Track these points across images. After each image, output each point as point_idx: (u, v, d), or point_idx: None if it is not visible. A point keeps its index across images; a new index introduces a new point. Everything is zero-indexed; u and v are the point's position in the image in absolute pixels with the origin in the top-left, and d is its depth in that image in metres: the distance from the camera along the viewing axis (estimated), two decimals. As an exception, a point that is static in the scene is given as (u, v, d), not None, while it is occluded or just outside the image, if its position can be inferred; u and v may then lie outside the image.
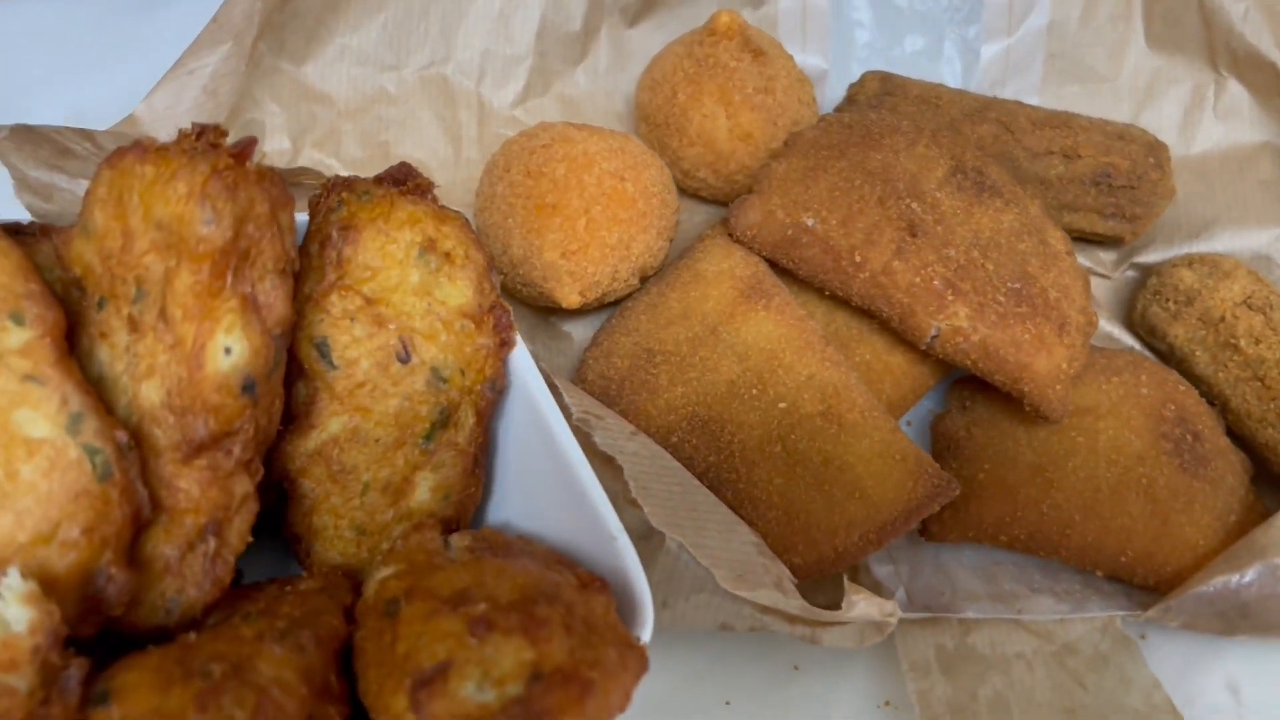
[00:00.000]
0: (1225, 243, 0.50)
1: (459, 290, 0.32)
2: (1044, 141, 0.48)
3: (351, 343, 0.32)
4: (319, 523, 0.33)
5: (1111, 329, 0.50)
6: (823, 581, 0.42)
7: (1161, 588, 0.41)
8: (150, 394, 0.27)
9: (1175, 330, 0.47)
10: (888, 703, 0.40)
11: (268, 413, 0.29)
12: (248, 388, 0.28)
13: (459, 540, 0.31)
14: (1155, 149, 0.48)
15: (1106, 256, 0.52)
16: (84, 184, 0.36)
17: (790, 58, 0.49)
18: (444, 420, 0.33)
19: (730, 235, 0.43)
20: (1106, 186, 0.47)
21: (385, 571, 0.29)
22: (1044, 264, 0.43)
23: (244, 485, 0.29)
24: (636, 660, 0.25)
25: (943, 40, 0.54)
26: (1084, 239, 0.51)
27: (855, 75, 0.54)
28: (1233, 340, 0.45)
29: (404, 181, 0.33)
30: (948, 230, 0.42)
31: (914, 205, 0.42)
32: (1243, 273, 0.47)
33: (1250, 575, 0.39)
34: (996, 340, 0.41)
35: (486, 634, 0.24)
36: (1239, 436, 0.46)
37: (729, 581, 0.34)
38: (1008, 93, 0.54)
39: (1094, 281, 0.51)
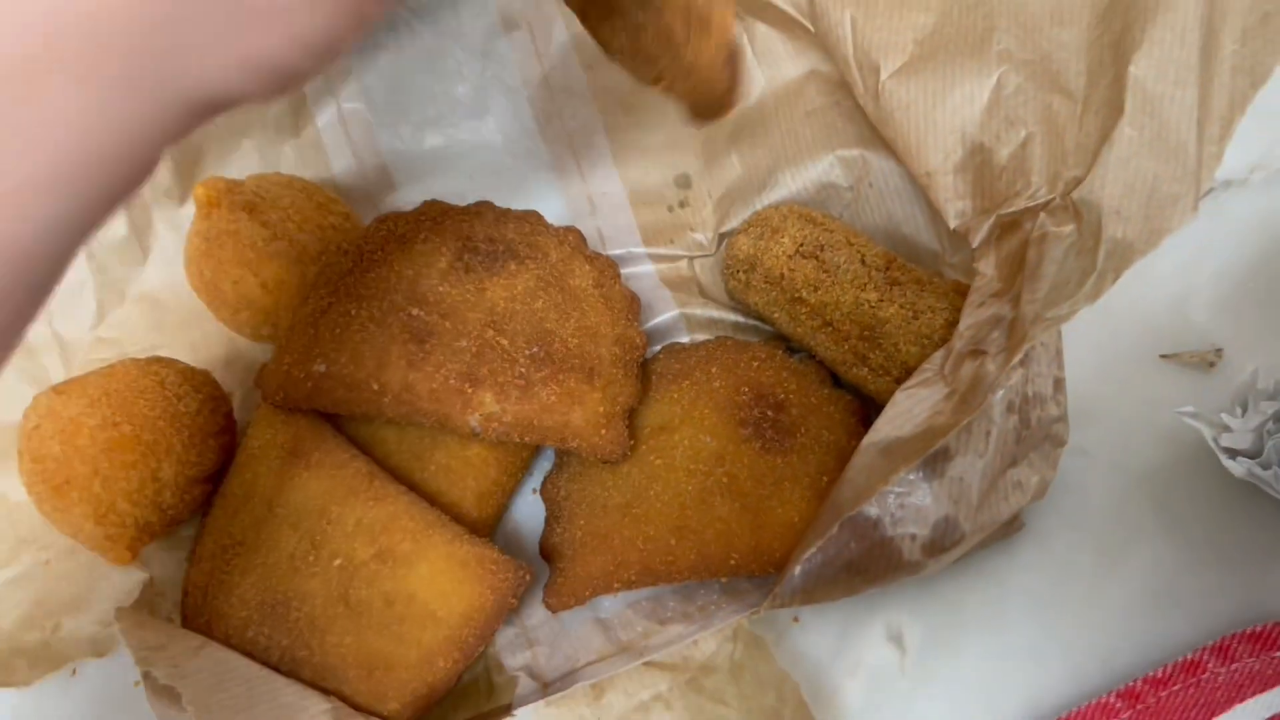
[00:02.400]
0: (789, 186, 0.50)
1: None
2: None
3: None
4: None
5: (715, 312, 0.49)
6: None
7: (780, 573, 0.41)
8: None
9: (752, 299, 0.47)
10: (551, 790, 0.41)
11: None
12: None
13: None
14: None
15: (702, 237, 0.51)
16: None
17: (300, 187, 0.48)
18: None
19: (267, 401, 0.44)
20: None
21: None
22: (563, 314, 0.43)
23: None
24: None
25: (486, 89, 0.54)
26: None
27: (420, 153, 0.54)
28: (795, 294, 0.45)
29: None
30: (458, 321, 0.42)
31: (415, 311, 0.42)
32: (793, 220, 0.46)
33: (835, 536, 0.39)
34: (527, 411, 0.41)
35: None
36: (842, 381, 0.46)
37: (292, 770, 0.35)
38: (563, 113, 0.54)
39: (701, 263, 0.51)
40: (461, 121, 0.54)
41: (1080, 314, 0.45)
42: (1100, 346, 0.47)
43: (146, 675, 0.39)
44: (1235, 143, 0.47)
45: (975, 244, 0.41)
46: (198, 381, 0.45)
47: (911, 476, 0.39)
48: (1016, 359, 0.38)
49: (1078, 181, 0.40)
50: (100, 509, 0.41)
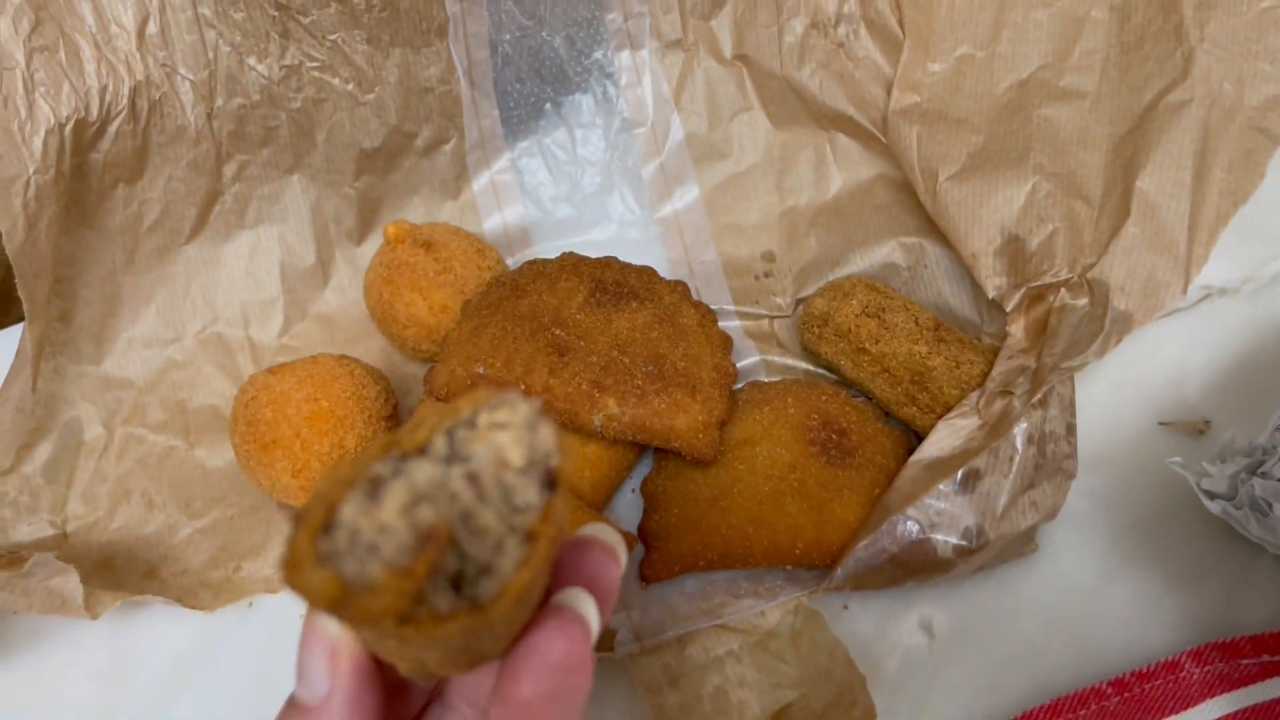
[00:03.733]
0: (858, 263, 0.61)
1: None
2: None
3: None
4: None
5: (790, 360, 0.60)
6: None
7: (836, 563, 0.51)
8: None
9: (823, 349, 0.57)
10: (638, 721, 0.50)
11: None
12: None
13: None
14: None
15: (782, 301, 0.62)
16: None
17: (464, 236, 0.60)
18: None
19: (432, 396, 0.54)
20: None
21: None
22: (674, 342, 0.53)
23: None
24: None
25: (611, 174, 0.66)
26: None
27: (554, 220, 0.66)
28: (860, 345, 0.55)
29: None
30: (590, 342, 0.53)
31: (558, 332, 0.53)
32: (861, 288, 0.57)
33: (883, 532, 0.49)
34: (641, 415, 0.51)
35: None
36: (894, 418, 0.56)
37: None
38: (673, 198, 0.65)
39: (780, 323, 0.62)
40: (590, 197, 0.66)
41: (1094, 384, 0.55)
42: (1110, 414, 0.56)
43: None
44: (1230, 259, 0.58)
45: (1008, 310, 0.52)
46: (375, 375, 0.56)
47: (948, 490, 0.49)
48: (1036, 398, 0.48)
49: (1092, 265, 0.50)
50: (297, 465, 0.52)
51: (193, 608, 0.53)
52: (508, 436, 0.26)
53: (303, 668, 0.31)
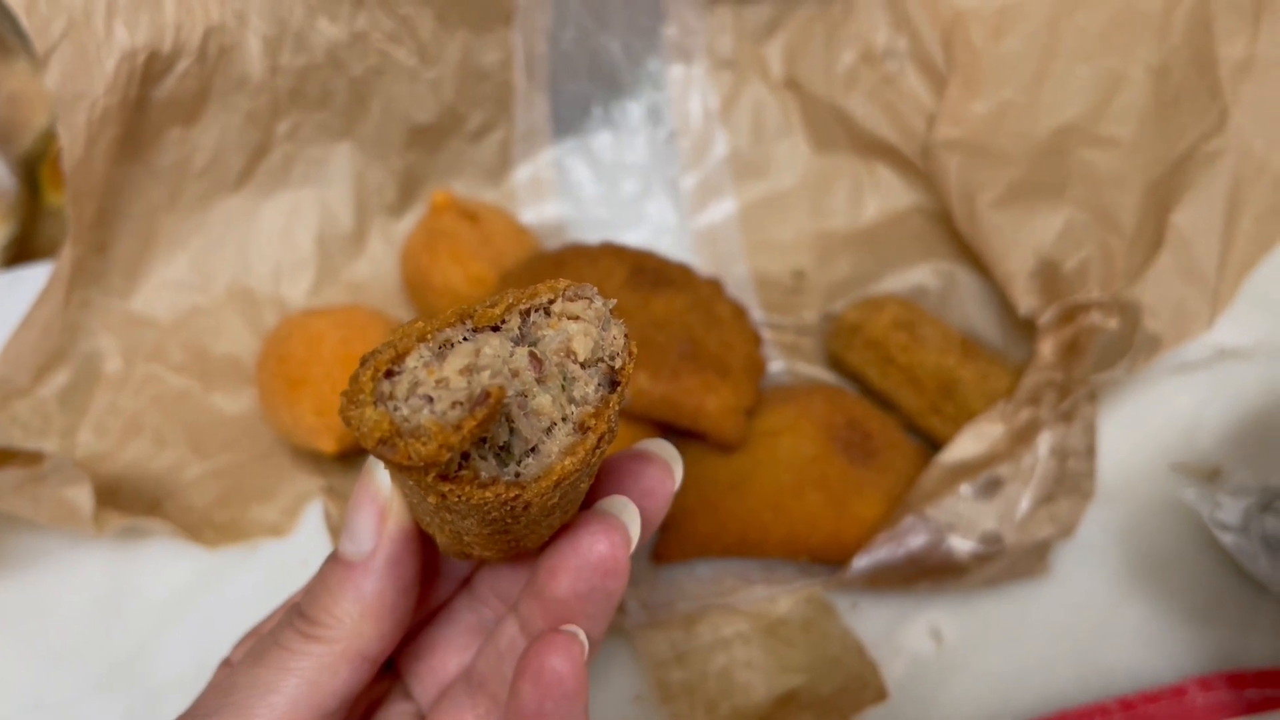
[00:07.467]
0: (891, 284, 0.62)
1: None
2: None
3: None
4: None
5: (815, 371, 0.61)
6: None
7: (851, 559, 0.51)
8: None
9: (851, 358, 0.58)
10: (638, 697, 0.49)
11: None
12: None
13: None
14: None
15: (809, 316, 0.63)
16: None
17: (506, 216, 0.61)
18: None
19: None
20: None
21: None
22: (708, 328, 0.54)
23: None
24: None
25: (651, 181, 0.68)
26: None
27: (590, 219, 0.67)
28: (889, 355, 0.56)
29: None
30: (627, 318, 0.53)
31: (596, 304, 0.53)
32: (893, 303, 0.58)
33: (903, 526, 0.49)
34: (672, 392, 0.51)
35: None
36: (916, 429, 0.57)
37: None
38: (709, 209, 0.67)
39: (806, 337, 0.63)
40: (627, 201, 0.68)
41: (1110, 427, 0.56)
42: (1125, 455, 0.56)
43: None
44: (1244, 324, 0.60)
45: (1040, 324, 0.53)
46: (408, 333, 0.56)
47: (968, 493, 0.49)
48: (1062, 408, 0.49)
49: (1123, 290, 0.52)
50: (322, 405, 0.51)
51: (193, 541, 0.52)
52: (578, 328, 0.27)
53: (351, 524, 0.31)
